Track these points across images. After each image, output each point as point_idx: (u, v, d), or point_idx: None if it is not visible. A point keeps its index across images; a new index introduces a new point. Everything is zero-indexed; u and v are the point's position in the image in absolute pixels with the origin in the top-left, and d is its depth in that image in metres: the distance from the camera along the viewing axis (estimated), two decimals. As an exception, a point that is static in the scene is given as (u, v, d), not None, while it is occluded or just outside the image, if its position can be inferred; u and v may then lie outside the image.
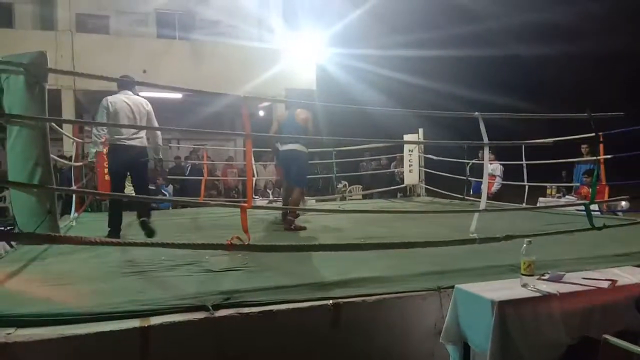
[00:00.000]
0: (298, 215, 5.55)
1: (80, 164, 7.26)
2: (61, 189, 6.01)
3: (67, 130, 7.96)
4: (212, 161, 12.38)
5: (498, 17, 18.64)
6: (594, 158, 6.86)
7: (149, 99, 5.04)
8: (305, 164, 5.65)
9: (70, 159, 7.63)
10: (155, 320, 2.31)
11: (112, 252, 3.79)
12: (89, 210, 7.99)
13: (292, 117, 5.45)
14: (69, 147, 9.53)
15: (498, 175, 8.80)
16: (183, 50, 13.15)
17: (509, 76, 19.60)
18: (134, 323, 2.29)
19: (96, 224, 6.19)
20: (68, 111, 11.88)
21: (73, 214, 6.08)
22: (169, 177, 10.49)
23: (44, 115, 2.76)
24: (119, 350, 2.23)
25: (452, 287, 2.65)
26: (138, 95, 5.04)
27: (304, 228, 5.37)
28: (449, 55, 18.01)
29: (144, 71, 11.71)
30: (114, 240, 2.87)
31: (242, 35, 13.42)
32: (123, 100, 4.79)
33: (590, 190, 4.99)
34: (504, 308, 2.32)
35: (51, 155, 2.92)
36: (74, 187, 6.37)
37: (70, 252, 3.79)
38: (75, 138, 7.17)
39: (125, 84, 4.92)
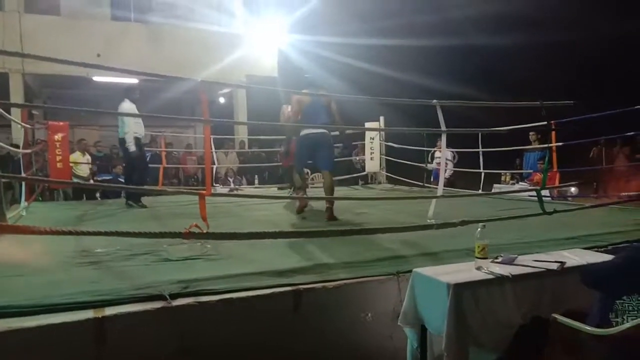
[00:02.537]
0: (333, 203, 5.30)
1: (30, 151, 6.96)
2: (8, 175, 5.75)
3: (15, 116, 7.58)
4: (171, 149, 12.12)
5: (459, 7, 18.89)
6: (545, 146, 7.13)
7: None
8: (332, 147, 5.52)
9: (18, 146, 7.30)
10: (110, 311, 2.25)
11: (65, 242, 3.66)
12: (40, 199, 7.69)
13: (316, 98, 5.10)
14: (18, 133, 9.10)
15: (449, 160, 9.01)
16: (139, 34, 12.71)
17: (469, 66, 19.95)
18: (88, 314, 2.22)
19: (48, 214, 5.98)
20: (17, 96, 11.32)
21: (23, 203, 5.83)
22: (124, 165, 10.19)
23: (-12, 99, 2.62)
24: (73, 343, 2.16)
25: (410, 271, 2.70)
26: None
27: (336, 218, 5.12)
28: (411, 44, 18.12)
29: (98, 55, 11.26)
30: (65, 229, 2.76)
31: (202, 19, 13.08)
32: None
33: (542, 176, 5.18)
34: (459, 290, 2.38)
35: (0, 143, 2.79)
36: (23, 175, 6.10)
37: (20, 243, 3.63)
38: (24, 124, 6.85)
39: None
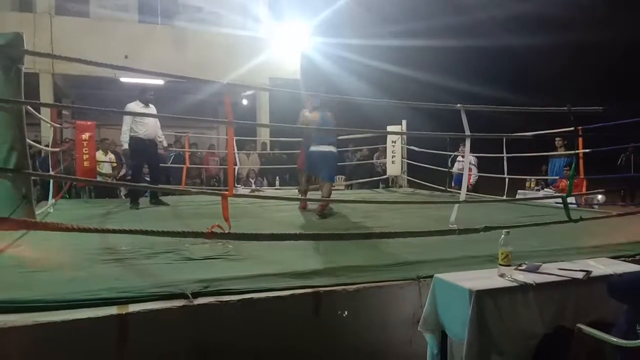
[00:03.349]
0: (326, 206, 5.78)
1: (58, 149, 7.12)
2: (37, 174, 5.90)
3: (45, 115, 7.78)
4: (196, 149, 12.27)
5: (485, 7, 18.63)
6: (571, 152, 6.99)
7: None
8: (336, 164, 6.08)
9: (48, 145, 7.48)
10: (133, 308, 2.29)
11: (90, 239, 3.74)
12: (67, 197, 7.87)
13: (325, 116, 5.61)
14: (47, 132, 9.34)
15: (472, 165, 8.89)
16: (165, 37, 12.92)
17: (496, 66, 19.63)
18: (112, 310, 2.26)
19: (74, 211, 6.11)
20: (46, 95, 11.61)
21: (50, 201, 5.97)
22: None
23: (20, 99, 2.70)
24: (96, 338, 2.21)
25: (431, 276, 2.68)
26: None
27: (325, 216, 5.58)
28: (436, 45, 17.93)
29: (126, 56, 11.49)
30: (91, 227, 2.83)
31: (226, 23, 13.23)
32: None
33: (568, 183, 5.07)
34: (482, 297, 2.35)
35: (28, 140, 2.86)
36: (51, 173, 6.25)
37: (47, 239, 3.71)
38: (53, 123, 7.02)
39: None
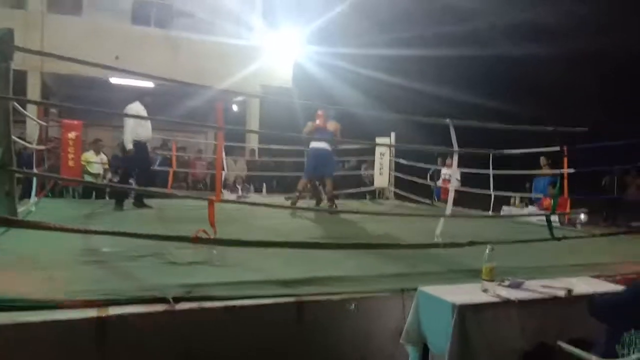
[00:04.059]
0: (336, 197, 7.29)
1: (43, 147, 7.03)
2: (21, 171, 5.81)
3: (31, 112, 7.69)
4: (183, 153, 12.19)
5: (481, 16, 18.70)
6: (556, 171, 7.08)
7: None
8: (333, 161, 7.11)
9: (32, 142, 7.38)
10: (113, 311, 2.26)
11: (72, 239, 3.67)
12: (50, 195, 7.75)
13: (324, 127, 6.87)
14: (32, 130, 9.22)
15: (457, 180, 8.96)
16: (159, 40, 12.85)
17: (491, 76, 19.62)
18: (91, 312, 2.23)
19: (57, 210, 6.02)
20: (34, 93, 11.46)
21: (33, 199, 5.88)
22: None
23: (7, 95, 2.67)
24: (75, 339, 2.17)
25: (415, 289, 2.68)
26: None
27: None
28: (430, 54, 17.92)
29: (117, 57, 11.40)
30: (73, 227, 2.78)
31: (220, 31, 13.24)
32: None
33: (552, 202, 5.14)
34: (464, 311, 2.36)
35: (13, 137, 2.82)
36: (34, 171, 6.16)
37: (28, 238, 3.65)
38: (39, 121, 6.93)
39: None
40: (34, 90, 11.57)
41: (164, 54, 12.44)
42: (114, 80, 12.11)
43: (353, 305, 2.67)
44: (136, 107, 6.30)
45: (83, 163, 8.17)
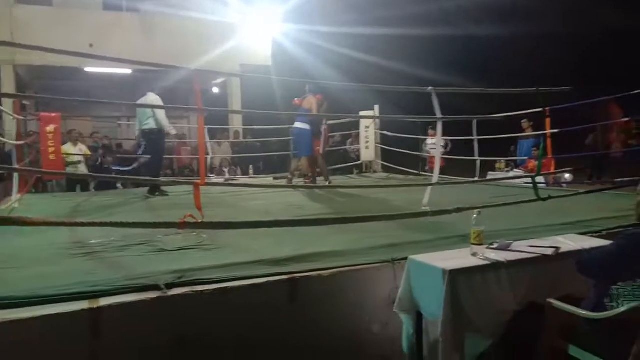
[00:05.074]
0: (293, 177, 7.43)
1: (22, 142, 6.89)
2: (2, 167, 5.72)
3: (7, 107, 7.50)
4: (167, 140, 12.03)
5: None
6: (540, 133, 7.14)
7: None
8: (306, 138, 6.96)
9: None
10: (105, 301, 2.24)
11: (59, 233, 3.63)
12: (33, 191, 7.64)
13: (300, 105, 7.01)
14: (9, 125, 9.03)
15: (442, 147, 9.01)
16: (132, 24, 12.56)
17: (465, 56, 19.83)
18: (83, 305, 2.21)
19: (41, 205, 5.95)
20: (8, 87, 11.20)
21: (15, 195, 5.78)
22: (118, 156, 10.15)
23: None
24: (68, 333, 2.15)
25: (406, 258, 2.70)
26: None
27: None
28: (406, 34, 17.97)
29: (91, 45, 11.13)
30: (58, 220, 2.74)
31: (195, 8, 12.94)
32: None
33: (537, 163, 5.18)
34: (455, 276, 2.38)
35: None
36: (16, 166, 6.04)
37: (14, 235, 3.60)
38: (16, 115, 6.77)
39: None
40: (8, 84, 11.30)
41: (139, 38, 12.17)
42: (89, 68, 11.85)
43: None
44: (154, 97, 6.48)
45: (64, 156, 8.02)
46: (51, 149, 6.89)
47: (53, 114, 7.36)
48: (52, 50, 3.13)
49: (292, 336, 2.61)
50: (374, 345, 2.80)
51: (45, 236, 3.57)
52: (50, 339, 2.12)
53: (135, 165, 8.77)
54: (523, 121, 9.00)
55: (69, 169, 8.36)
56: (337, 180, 8.94)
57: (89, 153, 9.35)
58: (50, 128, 6.96)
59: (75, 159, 8.90)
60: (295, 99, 7.08)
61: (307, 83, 7.10)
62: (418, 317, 2.62)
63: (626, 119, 8.02)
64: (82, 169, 8.96)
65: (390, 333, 2.81)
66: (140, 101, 6.50)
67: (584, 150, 10.64)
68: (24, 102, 12.17)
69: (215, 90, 15.29)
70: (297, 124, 6.95)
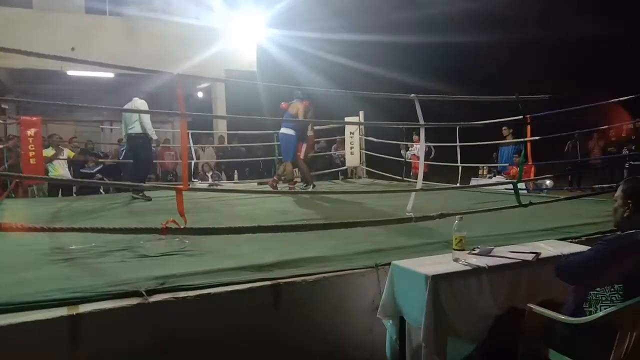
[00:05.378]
0: (278, 181, 7.34)
1: (2, 146, 6.78)
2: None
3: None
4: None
5: (437, 4, 19.02)
6: (520, 140, 7.25)
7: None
8: (290, 143, 7.02)
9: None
10: (85, 308, 2.21)
11: (39, 239, 3.57)
12: (12, 195, 7.50)
13: (286, 110, 7.04)
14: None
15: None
16: (115, 27, 12.43)
17: (448, 62, 20.14)
18: (61, 311, 2.17)
19: (21, 210, 5.84)
20: (-12, 91, 11.03)
21: (-6, 201, 5.68)
22: (100, 160, 10.02)
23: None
24: (47, 341, 2.12)
25: (389, 264, 2.71)
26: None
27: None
28: (389, 40, 18.22)
29: (73, 49, 11.00)
30: (37, 226, 2.70)
31: (179, 12, 12.87)
32: None
33: (518, 170, 5.25)
34: (437, 282, 2.40)
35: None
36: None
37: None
38: (-5, 119, 6.67)
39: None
40: (-13, 88, 11.10)
41: (122, 42, 12.04)
42: (71, 72, 11.69)
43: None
44: (140, 102, 6.49)
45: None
46: (32, 153, 6.79)
47: (34, 118, 7.26)
48: (32, 54, 3.07)
49: (276, 342, 2.60)
50: (357, 350, 2.80)
51: (23, 242, 3.51)
52: (27, 347, 2.08)
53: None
54: (503, 128, 9.18)
55: (53, 175, 8.25)
56: (322, 185, 8.95)
57: (72, 154, 9.23)
58: (31, 132, 6.87)
59: (58, 165, 8.79)
60: (282, 102, 7.15)
61: (296, 89, 7.18)
62: (401, 323, 2.63)
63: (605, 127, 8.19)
64: (64, 173, 8.84)
65: (374, 338, 2.82)
66: (127, 106, 6.45)
67: (564, 157, 10.84)
68: (4, 105, 11.97)
69: (200, 94, 15.21)
70: (283, 129, 7.03)
